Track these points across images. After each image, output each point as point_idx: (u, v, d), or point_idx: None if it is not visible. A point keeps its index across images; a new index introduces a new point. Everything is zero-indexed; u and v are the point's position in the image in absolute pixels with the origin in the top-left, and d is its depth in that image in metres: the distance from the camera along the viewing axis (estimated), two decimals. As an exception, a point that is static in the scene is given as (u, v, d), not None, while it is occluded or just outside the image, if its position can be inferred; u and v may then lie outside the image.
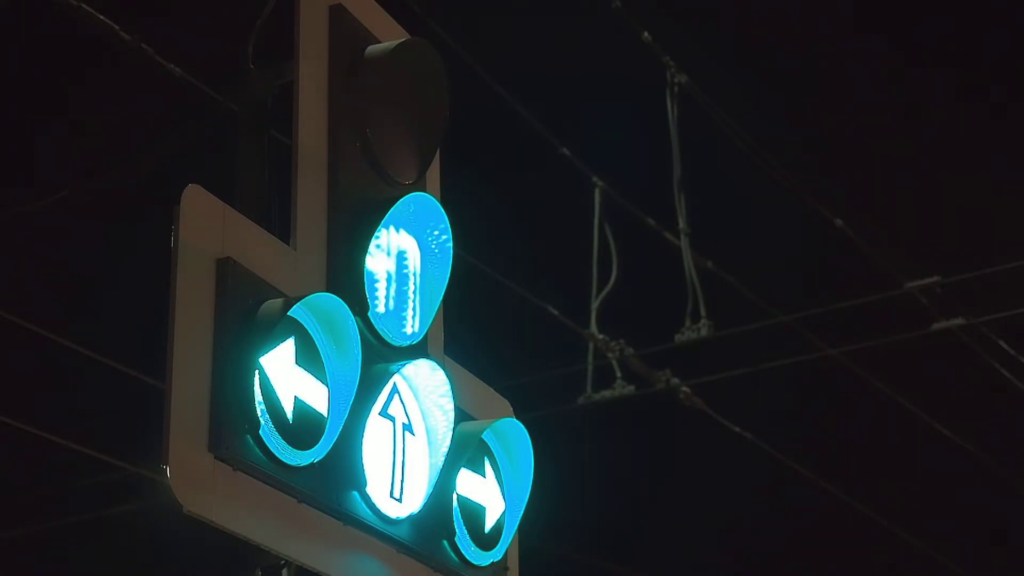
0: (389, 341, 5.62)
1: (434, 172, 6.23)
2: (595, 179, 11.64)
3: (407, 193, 5.77)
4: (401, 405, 5.60)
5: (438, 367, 5.63)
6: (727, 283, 11.86)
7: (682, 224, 11.40)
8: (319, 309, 5.21)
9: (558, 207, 13.57)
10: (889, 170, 14.69)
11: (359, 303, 5.43)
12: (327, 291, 5.33)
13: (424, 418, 5.70)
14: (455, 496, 5.79)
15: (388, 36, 6.06)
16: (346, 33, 5.85)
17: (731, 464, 15.13)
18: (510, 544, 6.10)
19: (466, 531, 5.87)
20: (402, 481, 5.51)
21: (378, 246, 5.67)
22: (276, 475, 4.98)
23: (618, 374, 12.11)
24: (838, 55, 13.91)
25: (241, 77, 5.79)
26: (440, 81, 6.08)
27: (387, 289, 5.71)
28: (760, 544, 17.35)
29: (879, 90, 14.36)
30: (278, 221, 5.52)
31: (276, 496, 5.01)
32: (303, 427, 5.09)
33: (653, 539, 16.89)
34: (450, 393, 5.66)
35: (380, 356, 5.54)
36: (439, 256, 5.90)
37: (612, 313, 11.87)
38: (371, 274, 5.59)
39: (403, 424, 5.58)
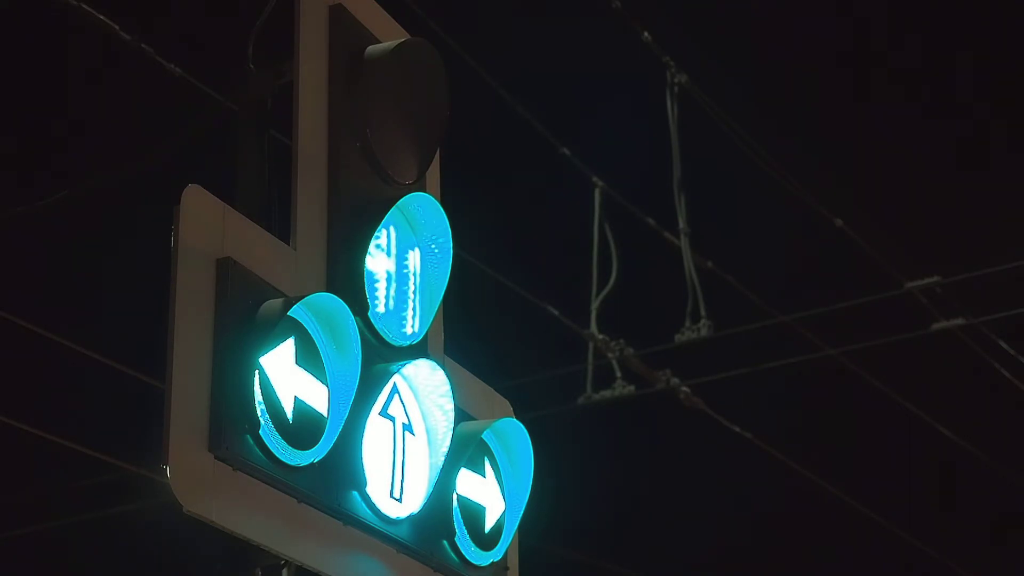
0: (389, 341, 5.62)
1: (434, 172, 6.23)
2: (595, 179, 11.64)
3: (407, 193, 5.77)
4: (401, 405, 5.60)
5: (438, 367, 5.63)
6: (727, 283, 11.86)
7: (682, 224, 11.39)
8: (319, 309, 5.21)
9: (558, 207, 13.57)
10: (889, 170, 14.69)
11: (359, 303, 5.42)
12: (327, 291, 5.33)
13: (424, 418, 5.70)
14: (455, 496, 5.79)
15: (388, 36, 6.06)
16: (346, 33, 5.85)
17: (731, 464, 15.13)
18: (510, 544, 6.10)
19: (466, 531, 5.87)
20: (402, 481, 5.51)
21: (378, 246, 5.67)
22: (276, 475, 4.98)
23: (618, 374, 12.11)
24: (838, 56, 13.92)
25: (241, 77, 5.78)
26: (440, 81, 6.08)
27: (387, 289, 5.71)
28: (760, 544, 17.35)
29: (879, 90, 14.37)
30: (278, 221, 5.52)
31: (276, 496, 5.01)
32: (303, 427, 5.09)
33: (653, 539, 16.89)
34: (450, 393, 5.66)
35: (380, 356, 5.54)
36: (439, 256, 5.90)
37: (612, 313, 11.87)
38: (371, 274, 5.59)
39: (403, 424, 5.58)
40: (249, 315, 5.01)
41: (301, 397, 5.10)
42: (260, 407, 4.94)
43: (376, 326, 5.55)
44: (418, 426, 5.66)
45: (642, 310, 13.02)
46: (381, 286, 5.67)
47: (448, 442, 5.67)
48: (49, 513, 11.84)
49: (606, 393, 12.14)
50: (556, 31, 12.84)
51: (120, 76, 10.63)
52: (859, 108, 14.33)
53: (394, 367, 5.48)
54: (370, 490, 5.35)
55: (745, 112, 11.41)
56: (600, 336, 11.82)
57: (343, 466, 5.25)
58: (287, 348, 5.08)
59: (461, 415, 5.81)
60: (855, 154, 14.48)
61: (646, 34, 10.97)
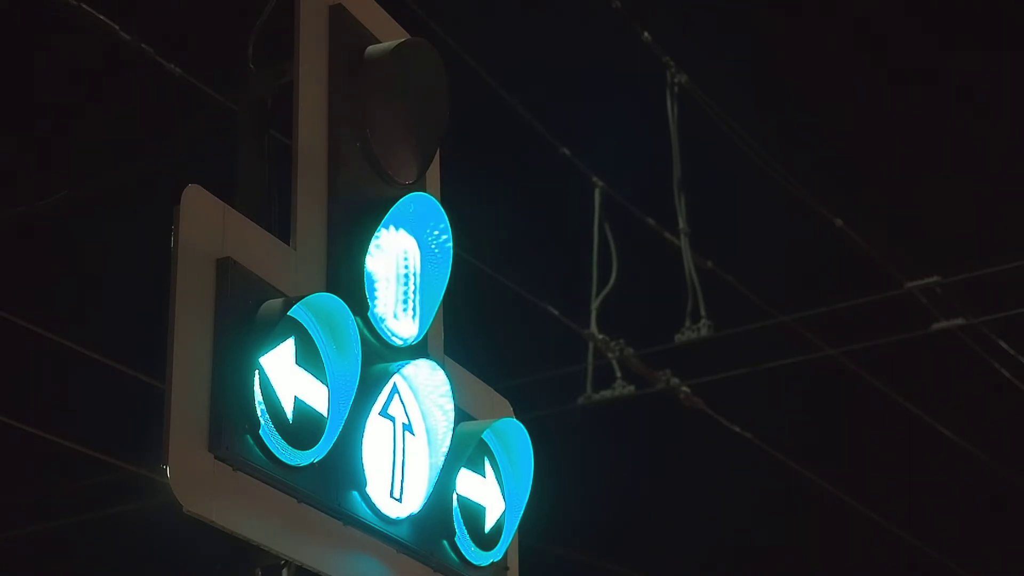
0: (389, 341, 5.62)
1: (434, 172, 6.23)
2: (595, 179, 11.64)
3: (407, 193, 5.77)
4: (401, 405, 5.60)
5: (438, 367, 5.63)
6: (727, 283, 11.86)
7: (682, 224, 11.39)
8: (319, 309, 5.20)
9: (558, 207, 13.57)
10: (889, 170, 14.69)
11: (359, 303, 5.42)
12: (327, 291, 5.33)
13: (424, 418, 5.69)
14: (455, 496, 5.79)
15: (388, 36, 6.06)
16: (346, 33, 5.85)
17: (731, 464, 15.13)
18: (510, 544, 6.10)
19: (466, 531, 5.87)
20: (402, 481, 5.51)
21: (378, 246, 5.66)
22: (276, 475, 4.98)
23: (618, 374, 12.11)
24: (838, 55, 13.92)
25: (241, 77, 5.78)
26: (440, 81, 6.08)
27: (387, 289, 5.71)
28: (760, 544, 17.35)
29: (879, 90, 14.37)
30: (278, 221, 5.52)
31: (276, 496, 5.01)
32: (303, 427, 5.09)
33: (653, 539, 16.89)
34: (450, 393, 5.65)
35: (380, 356, 5.54)
36: (439, 256, 5.90)
37: (612, 313, 11.88)
38: (371, 274, 5.59)
39: (403, 424, 5.57)
40: (249, 315, 5.00)
41: (301, 397, 5.10)
42: (260, 407, 4.94)
43: (376, 326, 5.56)
44: (418, 426, 5.66)
45: (642, 310, 13.03)
46: (381, 286, 5.67)
47: (448, 442, 5.66)
48: (49, 513, 11.84)
49: (606, 393, 12.14)
50: (556, 31, 12.85)
51: (120, 76, 10.64)
52: (859, 108, 14.33)
53: (394, 367, 5.48)
54: (370, 490, 5.35)
55: (745, 112, 11.41)
56: (600, 336, 11.82)
57: (343, 466, 5.25)
58: (287, 348, 5.08)
59: (461, 415, 5.81)
60: (855, 154, 14.49)
61: (646, 34, 10.97)
